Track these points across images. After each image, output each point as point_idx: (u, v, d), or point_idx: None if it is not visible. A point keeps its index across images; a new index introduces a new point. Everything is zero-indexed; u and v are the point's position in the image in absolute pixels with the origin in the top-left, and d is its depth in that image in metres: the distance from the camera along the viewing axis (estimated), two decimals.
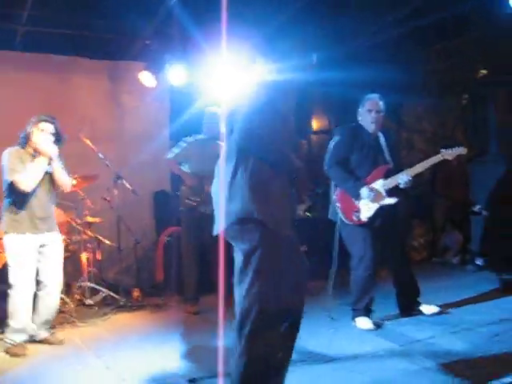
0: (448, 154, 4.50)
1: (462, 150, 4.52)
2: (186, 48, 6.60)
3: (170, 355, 4.05)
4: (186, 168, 5.45)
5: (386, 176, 4.53)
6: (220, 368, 3.38)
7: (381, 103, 4.65)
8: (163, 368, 3.76)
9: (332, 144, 4.64)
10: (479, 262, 6.38)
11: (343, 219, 4.51)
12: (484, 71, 6.51)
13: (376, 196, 4.40)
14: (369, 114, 4.61)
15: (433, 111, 8.32)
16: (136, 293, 5.89)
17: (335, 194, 4.61)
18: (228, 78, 6.04)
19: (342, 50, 6.59)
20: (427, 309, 4.64)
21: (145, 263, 6.63)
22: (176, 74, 6.70)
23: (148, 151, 6.79)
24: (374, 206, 4.42)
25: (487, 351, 3.64)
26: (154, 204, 7.26)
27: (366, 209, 4.43)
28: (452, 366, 3.42)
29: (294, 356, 2.90)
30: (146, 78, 6.83)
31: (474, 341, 3.88)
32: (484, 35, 6.57)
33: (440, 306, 4.71)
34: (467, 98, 7.45)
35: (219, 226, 2.82)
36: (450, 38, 7.14)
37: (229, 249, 2.99)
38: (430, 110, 8.33)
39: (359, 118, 4.71)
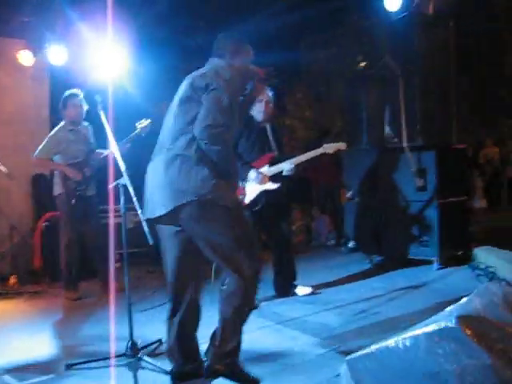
0: (329, 147, 4.78)
1: (342, 146, 4.82)
2: (67, 27, 6.41)
3: (48, 342, 3.99)
4: (58, 159, 5.25)
5: (271, 163, 4.72)
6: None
7: (271, 94, 4.82)
8: (41, 354, 3.70)
9: None
10: (351, 244, 6.80)
11: None
12: (363, 63, 6.85)
13: (262, 179, 4.55)
14: (259, 104, 4.76)
15: (314, 99, 8.67)
16: (12, 280, 5.70)
17: None
18: (107, 60, 5.98)
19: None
20: (301, 290, 4.91)
21: (22, 249, 6.38)
22: (56, 53, 6.48)
23: (26, 133, 6.55)
24: (258, 189, 4.59)
25: (355, 326, 3.95)
26: (32, 188, 6.99)
27: (250, 191, 4.58)
28: (323, 340, 3.68)
29: None
30: (24, 56, 6.55)
31: (344, 317, 4.18)
32: (362, 28, 6.92)
33: (313, 287, 5.00)
34: (344, 87, 7.79)
35: (161, 206, 2.84)
36: (333, 28, 7.46)
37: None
38: (312, 98, 8.68)
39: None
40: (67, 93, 5.30)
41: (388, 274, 5.62)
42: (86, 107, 5.28)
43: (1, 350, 3.83)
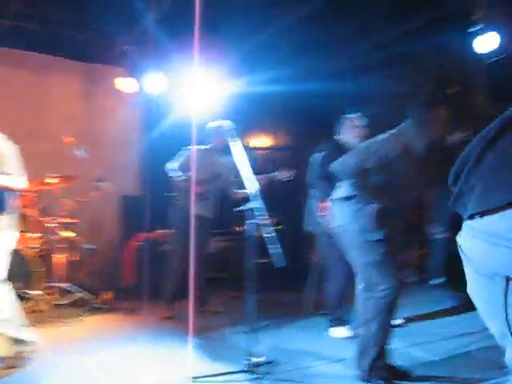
0: None
1: None
2: (164, 58, 6.75)
3: (147, 358, 4.15)
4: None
5: None
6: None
7: (364, 119, 4.86)
8: (143, 370, 3.87)
9: (319, 157, 4.87)
10: (438, 280, 6.66)
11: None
12: None
13: None
14: (353, 130, 4.81)
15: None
16: (108, 295, 5.87)
17: (318, 205, 4.78)
18: (202, 90, 6.22)
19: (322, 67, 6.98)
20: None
21: (112, 266, 6.62)
22: (152, 82, 6.85)
23: (118, 154, 6.88)
24: None
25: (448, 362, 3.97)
26: (123, 207, 7.27)
27: None
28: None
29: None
30: (122, 83, 6.92)
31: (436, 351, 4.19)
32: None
33: (403, 319, 5.00)
34: None
35: None
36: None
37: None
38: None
39: (340, 134, 4.90)
40: (210, 124, 5.49)
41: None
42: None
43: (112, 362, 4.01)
